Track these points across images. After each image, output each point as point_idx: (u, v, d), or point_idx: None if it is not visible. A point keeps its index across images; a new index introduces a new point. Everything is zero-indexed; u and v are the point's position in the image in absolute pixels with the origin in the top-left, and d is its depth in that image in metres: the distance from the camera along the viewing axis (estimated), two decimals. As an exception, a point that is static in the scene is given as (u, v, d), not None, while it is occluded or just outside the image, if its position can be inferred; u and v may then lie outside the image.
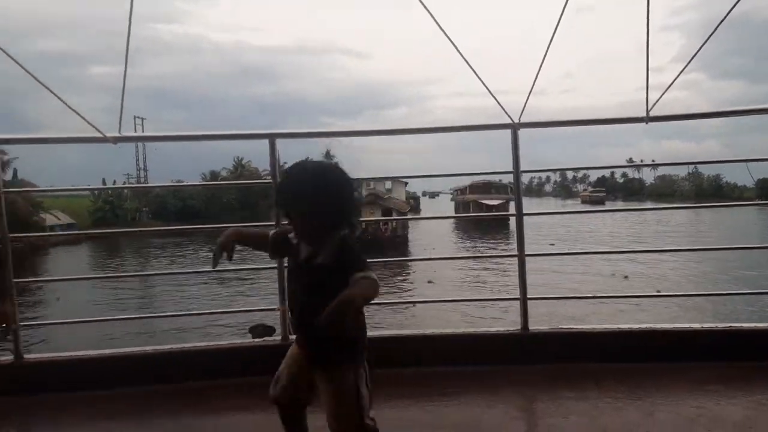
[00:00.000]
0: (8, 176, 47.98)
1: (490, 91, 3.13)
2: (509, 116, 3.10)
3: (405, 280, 27.70)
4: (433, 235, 45.04)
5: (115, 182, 61.93)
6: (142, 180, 69.82)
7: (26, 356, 3.04)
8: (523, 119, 3.08)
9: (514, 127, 3.13)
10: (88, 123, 2.99)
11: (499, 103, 3.09)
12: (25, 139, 3.36)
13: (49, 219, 45.40)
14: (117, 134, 2.99)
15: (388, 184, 50.07)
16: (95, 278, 28.26)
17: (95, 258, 41.09)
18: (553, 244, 30.49)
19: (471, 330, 3.42)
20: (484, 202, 60.96)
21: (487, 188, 64.55)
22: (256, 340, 3.57)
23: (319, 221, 1.72)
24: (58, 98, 3.08)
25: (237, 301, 22.85)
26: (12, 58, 2.82)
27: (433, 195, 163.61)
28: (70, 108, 2.99)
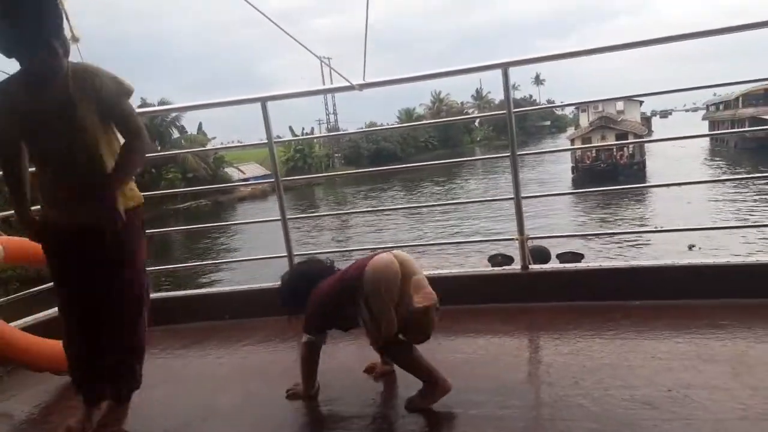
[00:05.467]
0: (193, 130, 55.86)
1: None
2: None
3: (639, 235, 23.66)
4: (675, 164, 40.61)
5: (303, 130, 68.80)
6: (332, 125, 75.67)
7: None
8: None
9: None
10: (338, 73, 3.89)
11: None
12: (278, 96, 4.22)
13: (236, 173, 50.57)
14: (362, 81, 3.80)
15: (620, 105, 46.99)
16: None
17: (291, 208, 46.42)
18: None
19: (738, 261, 3.57)
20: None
21: (776, 96, 46.57)
22: (497, 268, 4.20)
23: None
24: (309, 51, 4.03)
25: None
26: (270, 20, 3.69)
27: (664, 114, 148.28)
28: (320, 59, 4.08)
